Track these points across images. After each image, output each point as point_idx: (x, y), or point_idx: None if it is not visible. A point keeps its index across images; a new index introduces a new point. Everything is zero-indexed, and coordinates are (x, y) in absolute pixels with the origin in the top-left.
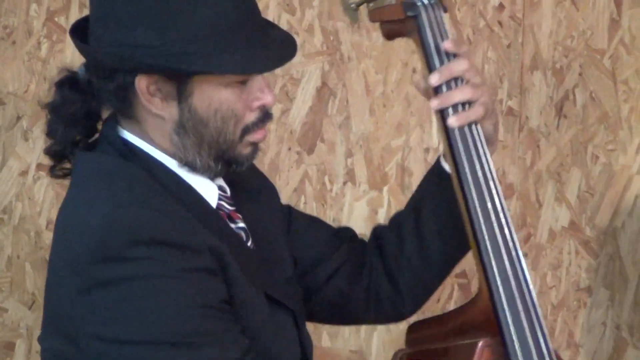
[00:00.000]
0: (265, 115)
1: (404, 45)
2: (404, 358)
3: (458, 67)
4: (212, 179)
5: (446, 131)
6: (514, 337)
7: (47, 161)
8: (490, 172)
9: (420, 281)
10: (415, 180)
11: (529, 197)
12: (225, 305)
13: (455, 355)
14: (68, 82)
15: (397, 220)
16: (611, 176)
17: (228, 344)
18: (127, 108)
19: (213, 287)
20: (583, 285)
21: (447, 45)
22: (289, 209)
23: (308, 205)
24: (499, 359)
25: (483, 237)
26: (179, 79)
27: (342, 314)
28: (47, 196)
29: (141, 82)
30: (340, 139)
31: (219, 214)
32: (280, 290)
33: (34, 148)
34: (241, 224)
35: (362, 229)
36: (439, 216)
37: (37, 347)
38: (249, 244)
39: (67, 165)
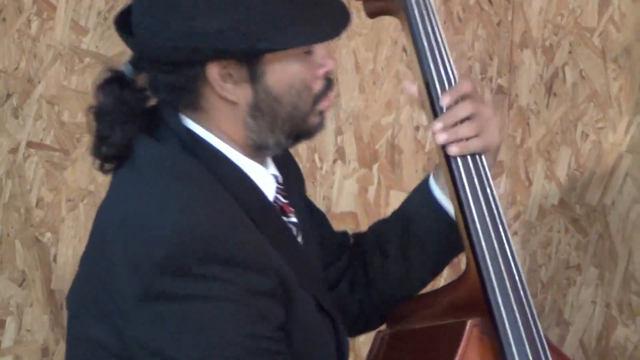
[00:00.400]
0: (329, 82)
1: (394, 23)
2: (385, 339)
3: (462, 112)
4: (270, 155)
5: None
6: (504, 316)
7: (37, 139)
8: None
9: (393, 297)
10: (405, 158)
11: (518, 175)
12: (280, 334)
13: (443, 335)
14: (117, 82)
15: (380, 238)
16: (601, 154)
17: None
18: (195, 100)
19: (273, 312)
20: (573, 263)
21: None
22: (306, 198)
23: None
24: (488, 339)
25: (472, 215)
26: (250, 61)
27: None
28: (37, 174)
29: (213, 70)
30: (330, 116)
31: (275, 209)
32: (326, 296)
33: (24, 125)
34: (293, 219)
35: (352, 207)
36: (426, 242)
37: (27, 324)
38: (299, 239)
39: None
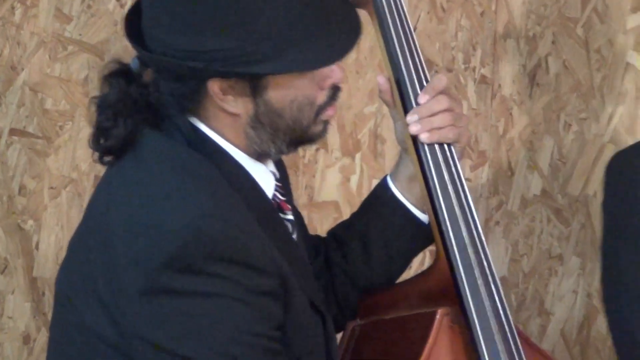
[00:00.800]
0: (335, 91)
1: None
2: (356, 330)
3: (438, 107)
4: (272, 160)
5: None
6: (473, 305)
7: (20, 126)
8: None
9: (359, 295)
10: (387, 148)
11: (501, 165)
12: (279, 333)
13: (413, 325)
14: (123, 76)
15: (341, 240)
16: (583, 145)
17: None
18: (197, 107)
19: (274, 313)
20: (554, 253)
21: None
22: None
23: None
24: (458, 328)
25: (441, 205)
26: (252, 77)
27: None
28: (20, 161)
29: (214, 85)
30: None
31: (273, 206)
32: (318, 294)
33: (7, 113)
34: (290, 216)
35: (335, 196)
36: (387, 241)
37: (8, 312)
38: (294, 236)
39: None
